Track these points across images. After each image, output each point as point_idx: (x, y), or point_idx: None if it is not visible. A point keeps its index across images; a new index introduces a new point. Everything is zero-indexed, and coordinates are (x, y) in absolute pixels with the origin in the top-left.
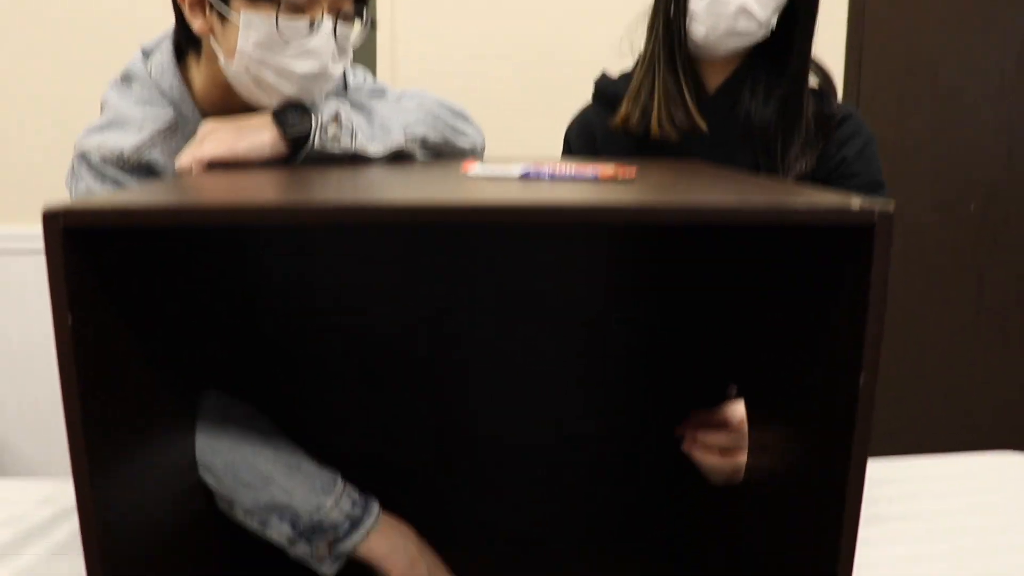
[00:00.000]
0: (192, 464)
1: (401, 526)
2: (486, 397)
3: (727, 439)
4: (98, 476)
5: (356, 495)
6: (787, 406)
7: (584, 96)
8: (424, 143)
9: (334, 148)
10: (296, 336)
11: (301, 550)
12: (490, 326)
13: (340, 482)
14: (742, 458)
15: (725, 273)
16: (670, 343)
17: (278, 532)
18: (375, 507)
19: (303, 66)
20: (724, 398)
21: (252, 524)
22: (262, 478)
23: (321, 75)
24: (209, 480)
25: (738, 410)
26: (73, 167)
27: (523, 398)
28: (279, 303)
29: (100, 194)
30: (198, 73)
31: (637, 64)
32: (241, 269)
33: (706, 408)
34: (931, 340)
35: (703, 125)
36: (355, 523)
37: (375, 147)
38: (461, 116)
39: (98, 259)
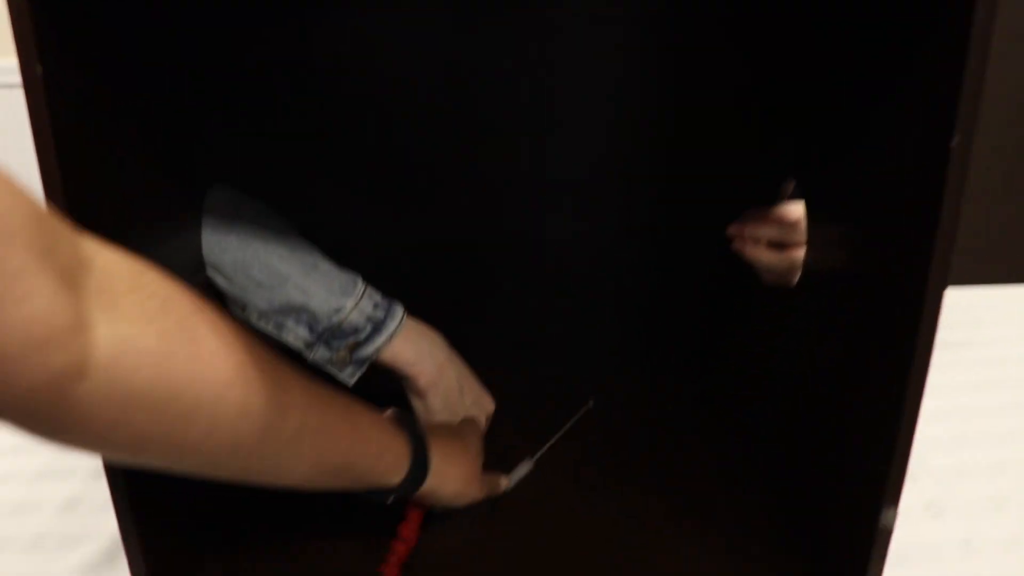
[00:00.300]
0: (198, 263)
1: (428, 331)
2: (513, 194)
3: (779, 232)
4: None
5: (379, 297)
6: (856, 192)
7: None
8: None
9: None
10: (307, 122)
11: (320, 355)
12: (521, 107)
13: (361, 283)
14: (798, 254)
15: (783, 40)
16: (717, 134)
17: (295, 336)
18: (399, 310)
19: None
20: (778, 197)
21: (267, 328)
22: (276, 277)
23: None
24: (219, 281)
25: (794, 208)
26: None
27: (554, 199)
28: (286, 79)
29: None
30: None
31: None
32: (244, 43)
33: (759, 207)
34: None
35: None
36: (378, 327)
37: None
38: None
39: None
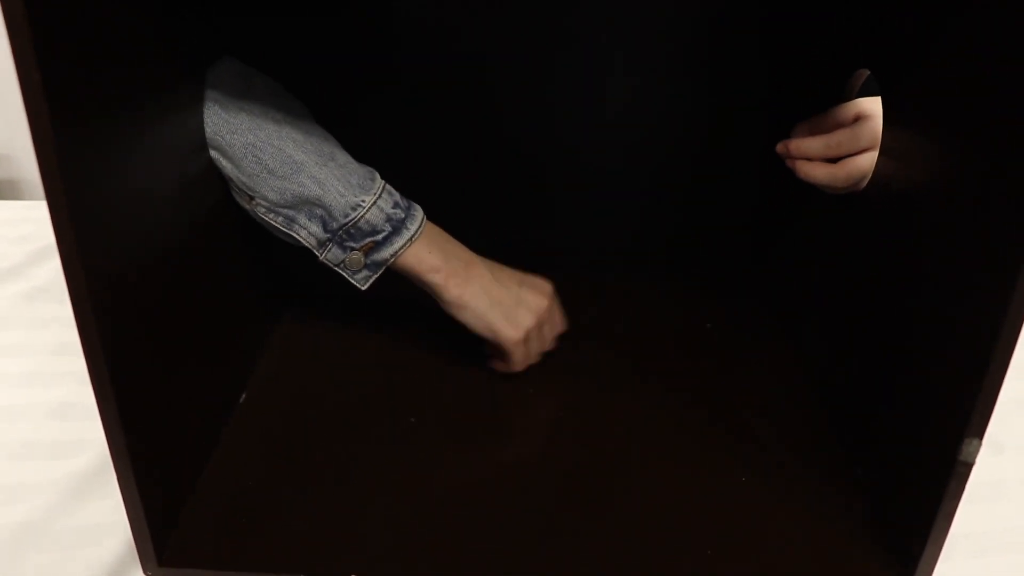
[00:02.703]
0: (200, 145)
1: (450, 236)
2: (554, 84)
3: (831, 143)
4: (71, 159)
5: (398, 196)
6: (941, 92)
7: None
8: None
9: None
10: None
11: (332, 255)
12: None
13: (379, 179)
14: (861, 162)
15: None
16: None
17: (307, 233)
18: (420, 213)
19: None
20: (844, 93)
21: (276, 222)
22: (290, 164)
23: None
24: (225, 166)
25: (852, 105)
26: None
27: (596, 95)
28: None
29: None
30: None
31: None
32: None
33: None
34: None
35: None
36: (397, 228)
37: None
38: None
39: None
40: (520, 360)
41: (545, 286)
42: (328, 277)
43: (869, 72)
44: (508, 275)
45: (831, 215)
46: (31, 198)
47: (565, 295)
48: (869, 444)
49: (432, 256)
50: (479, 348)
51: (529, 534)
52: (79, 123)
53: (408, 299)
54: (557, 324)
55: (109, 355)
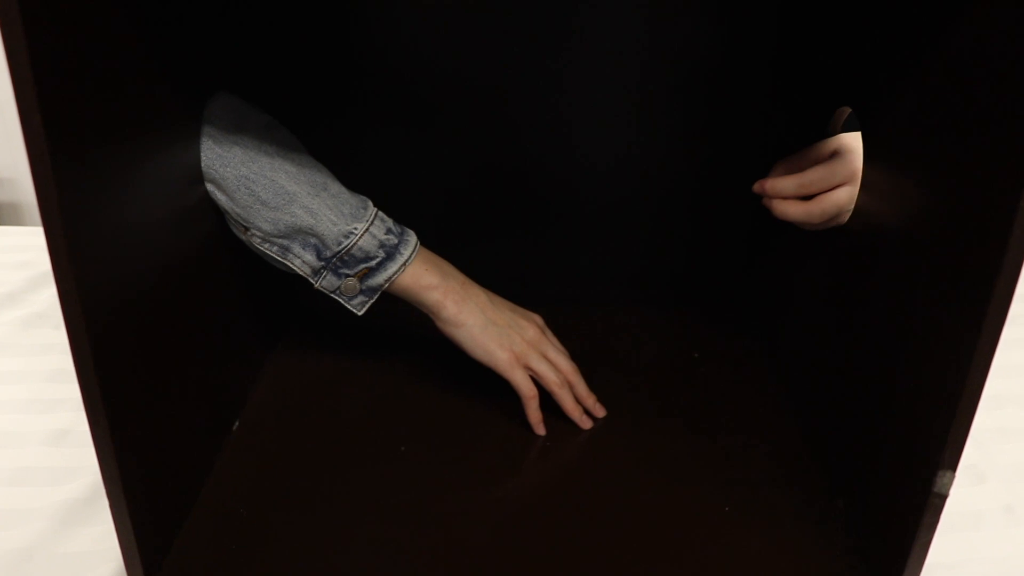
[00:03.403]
0: (196, 178)
1: (445, 260)
2: (538, 115)
3: (797, 183)
4: (69, 189)
5: (391, 223)
6: (919, 128)
7: None
8: None
9: None
10: (320, 26)
11: (327, 282)
12: (548, 31)
13: (371, 207)
14: (836, 196)
15: None
16: (759, 54)
17: (301, 261)
18: (413, 238)
19: None
20: (828, 128)
21: (271, 252)
22: (283, 196)
23: None
24: (220, 198)
25: (831, 141)
26: None
27: (580, 135)
28: None
29: None
30: None
31: None
32: None
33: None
34: None
35: None
36: (391, 254)
37: None
38: None
39: None
40: (527, 390)
41: (536, 316)
42: (322, 306)
43: (851, 110)
44: (502, 301)
45: (818, 248)
46: (33, 221)
47: (556, 321)
48: (850, 475)
49: (429, 275)
50: (471, 377)
51: (518, 561)
52: (77, 154)
53: (401, 328)
54: (559, 348)
55: (103, 382)
